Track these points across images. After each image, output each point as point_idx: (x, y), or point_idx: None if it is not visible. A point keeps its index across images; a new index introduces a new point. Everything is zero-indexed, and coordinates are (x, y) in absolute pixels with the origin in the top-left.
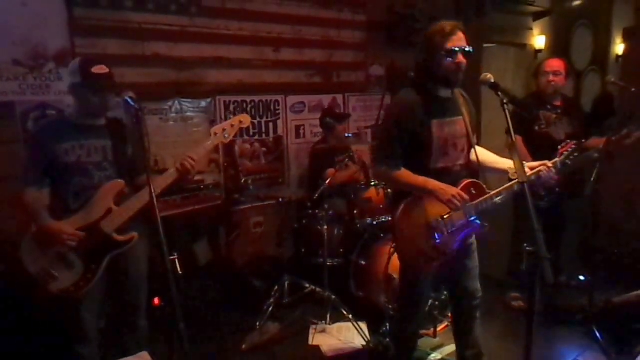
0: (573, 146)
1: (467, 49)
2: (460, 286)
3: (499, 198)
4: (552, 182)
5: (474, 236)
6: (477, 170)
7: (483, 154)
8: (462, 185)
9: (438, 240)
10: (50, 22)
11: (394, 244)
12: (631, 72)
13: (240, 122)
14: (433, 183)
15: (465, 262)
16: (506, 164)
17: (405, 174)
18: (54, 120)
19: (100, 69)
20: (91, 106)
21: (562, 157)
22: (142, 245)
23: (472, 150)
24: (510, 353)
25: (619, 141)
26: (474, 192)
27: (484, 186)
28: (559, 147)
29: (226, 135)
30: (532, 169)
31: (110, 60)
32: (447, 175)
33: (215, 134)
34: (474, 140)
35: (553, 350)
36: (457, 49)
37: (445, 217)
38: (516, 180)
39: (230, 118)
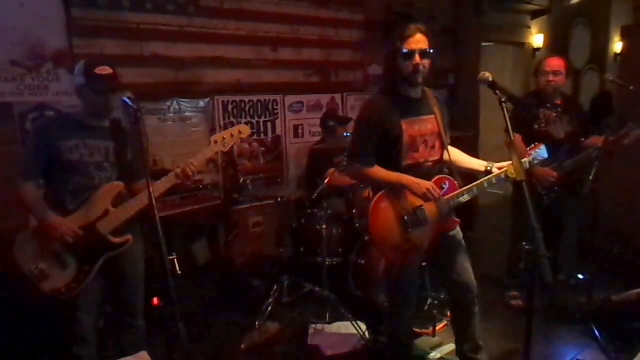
0: (541, 147)
1: (425, 50)
2: (454, 281)
3: (470, 194)
4: (551, 180)
5: (457, 230)
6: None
7: (455, 154)
8: (433, 180)
9: (411, 233)
10: (48, 22)
11: (368, 237)
12: (629, 70)
13: (240, 132)
14: (407, 178)
15: (454, 257)
16: (475, 164)
17: (379, 171)
18: (59, 117)
19: (103, 70)
20: (96, 107)
21: (530, 157)
22: (139, 245)
23: (446, 148)
24: (509, 352)
25: (617, 141)
26: (445, 186)
27: (456, 182)
28: (528, 148)
29: (225, 144)
30: (500, 168)
31: (108, 61)
32: (417, 171)
33: (215, 142)
34: (447, 139)
35: (552, 349)
36: (413, 50)
37: (418, 210)
38: (488, 177)
39: (228, 118)
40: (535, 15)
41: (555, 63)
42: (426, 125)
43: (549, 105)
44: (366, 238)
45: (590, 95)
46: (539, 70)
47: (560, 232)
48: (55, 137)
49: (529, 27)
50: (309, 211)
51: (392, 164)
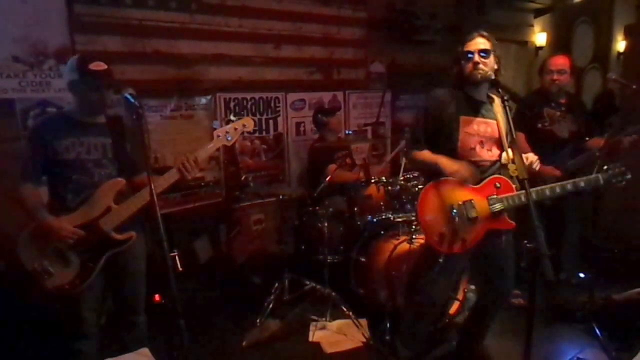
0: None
1: (484, 50)
2: (494, 286)
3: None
4: (555, 179)
5: (510, 235)
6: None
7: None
8: (488, 179)
9: (457, 225)
10: (50, 18)
11: (416, 224)
12: (632, 69)
13: (244, 125)
14: (442, 159)
15: (502, 262)
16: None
17: (424, 153)
18: (53, 116)
19: (98, 66)
20: (90, 103)
21: (608, 174)
22: (141, 242)
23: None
24: (510, 350)
25: (618, 143)
26: (498, 185)
27: (513, 185)
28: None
29: (229, 138)
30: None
31: (110, 57)
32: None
33: (218, 136)
34: (514, 142)
35: (553, 348)
36: (472, 51)
37: (467, 203)
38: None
39: (230, 115)
40: (538, 13)
41: (560, 61)
42: (485, 127)
43: (553, 104)
44: (414, 224)
45: (593, 94)
46: (544, 69)
47: (562, 230)
48: (50, 138)
49: (532, 26)
50: (311, 209)
51: (450, 157)
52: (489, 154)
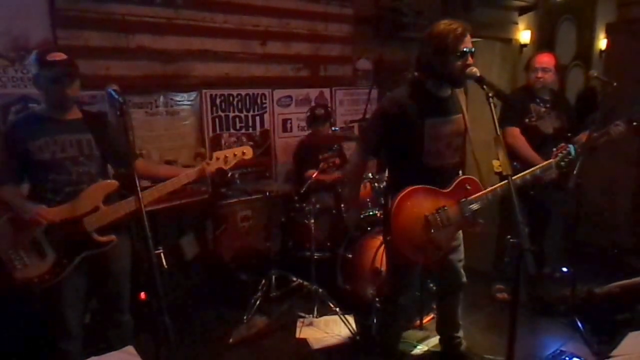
0: (567, 149)
1: (473, 50)
2: (450, 274)
3: (493, 195)
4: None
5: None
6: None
7: None
8: (457, 181)
9: (433, 234)
10: (32, 13)
11: (388, 237)
12: (613, 67)
13: (243, 153)
14: None
15: (451, 257)
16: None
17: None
18: (24, 116)
19: (55, 56)
20: (53, 96)
21: (557, 158)
22: (126, 241)
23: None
24: (494, 344)
25: (599, 138)
26: (468, 187)
27: (479, 183)
28: (554, 149)
29: (228, 162)
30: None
31: (94, 53)
32: (440, 174)
33: (217, 158)
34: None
35: (536, 341)
36: (468, 51)
37: (441, 210)
38: (518, 176)
39: (216, 112)
40: (522, 11)
41: (545, 59)
42: (452, 126)
43: (538, 100)
44: (388, 238)
45: (576, 91)
46: (529, 66)
47: (546, 225)
48: (23, 139)
49: (516, 24)
50: (297, 205)
51: (415, 165)
52: (454, 153)
